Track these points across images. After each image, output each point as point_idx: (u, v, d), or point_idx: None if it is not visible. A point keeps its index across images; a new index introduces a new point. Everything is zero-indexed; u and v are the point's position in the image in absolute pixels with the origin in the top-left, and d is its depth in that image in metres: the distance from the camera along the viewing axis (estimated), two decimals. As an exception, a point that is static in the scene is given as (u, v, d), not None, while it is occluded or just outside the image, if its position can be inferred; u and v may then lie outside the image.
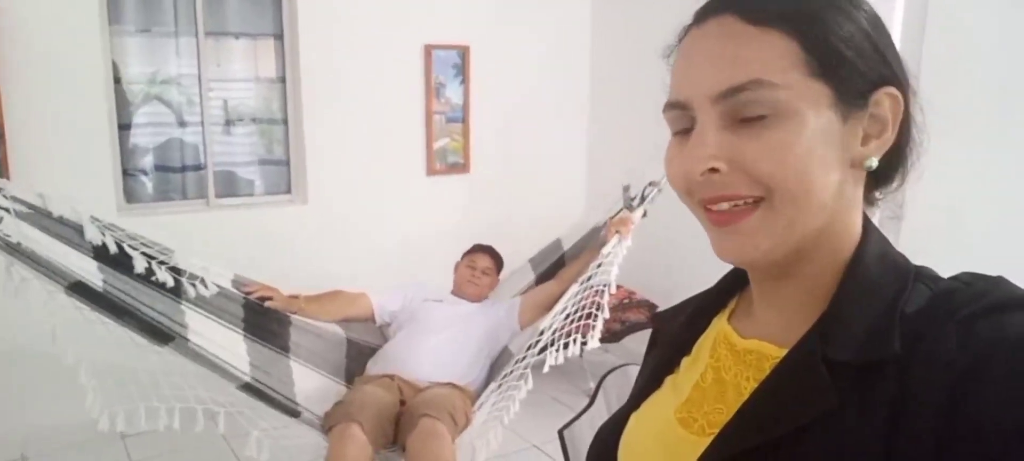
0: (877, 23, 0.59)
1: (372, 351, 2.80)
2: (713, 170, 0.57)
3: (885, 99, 0.58)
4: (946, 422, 0.49)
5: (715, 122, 0.58)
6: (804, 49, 0.56)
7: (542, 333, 2.38)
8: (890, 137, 0.59)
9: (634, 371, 0.87)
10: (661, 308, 1.61)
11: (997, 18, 2.52)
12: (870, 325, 0.56)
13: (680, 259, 2.82)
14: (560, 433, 1.88)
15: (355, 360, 2.78)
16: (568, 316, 2.40)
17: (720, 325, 0.71)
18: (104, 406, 2.02)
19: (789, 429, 0.55)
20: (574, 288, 2.48)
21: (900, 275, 0.59)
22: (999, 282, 0.56)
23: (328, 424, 2.27)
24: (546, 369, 2.31)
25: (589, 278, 2.48)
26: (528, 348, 2.37)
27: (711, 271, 0.74)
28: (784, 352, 0.61)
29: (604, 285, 2.39)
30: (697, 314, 0.75)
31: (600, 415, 1.51)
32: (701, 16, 0.61)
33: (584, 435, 1.48)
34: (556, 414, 2.16)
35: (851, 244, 0.61)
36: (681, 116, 0.61)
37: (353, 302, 2.84)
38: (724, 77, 0.57)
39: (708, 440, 0.62)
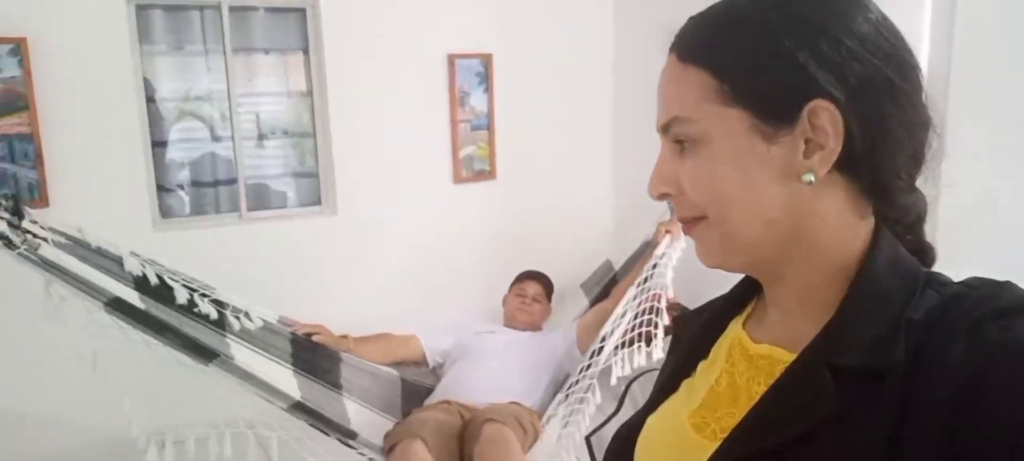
0: (806, 36, 0.54)
1: (428, 391, 2.57)
2: (666, 193, 0.61)
3: (821, 111, 0.54)
4: (952, 428, 0.47)
5: (670, 149, 0.60)
6: (717, 80, 0.56)
7: (604, 340, 2.20)
8: (834, 148, 0.54)
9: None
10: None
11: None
12: (876, 331, 0.53)
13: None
14: (587, 439, 1.80)
15: (410, 399, 2.55)
16: (629, 322, 2.23)
17: (736, 330, 0.68)
18: (151, 433, 1.86)
19: (793, 435, 0.53)
20: (631, 291, 2.31)
21: (909, 281, 0.55)
22: (1007, 287, 0.53)
23: (389, 443, 2.09)
24: (614, 381, 2.12)
25: (645, 280, 2.32)
26: (591, 355, 2.18)
27: (735, 274, 0.69)
28: (794, 357, 0.58)
29: (661, 289, 2.23)
30: (715, 318, 0.72)
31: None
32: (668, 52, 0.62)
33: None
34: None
35: (850, 250, 0.57)
36: None
37: (403, 345, 2.64)
38: (660, 114, 0.61)
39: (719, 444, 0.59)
